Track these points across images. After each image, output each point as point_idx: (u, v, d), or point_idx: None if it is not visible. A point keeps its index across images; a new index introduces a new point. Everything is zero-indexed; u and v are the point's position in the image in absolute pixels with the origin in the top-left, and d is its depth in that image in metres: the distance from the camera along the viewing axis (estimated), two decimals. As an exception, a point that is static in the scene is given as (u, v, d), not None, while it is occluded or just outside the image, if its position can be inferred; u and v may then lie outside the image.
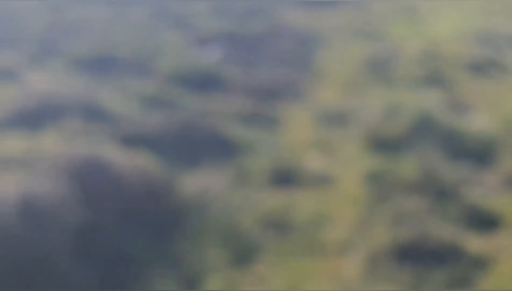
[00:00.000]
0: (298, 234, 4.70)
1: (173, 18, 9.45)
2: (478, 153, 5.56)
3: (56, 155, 4.98)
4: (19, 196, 4.30)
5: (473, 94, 6.91)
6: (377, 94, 6.89)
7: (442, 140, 5.68)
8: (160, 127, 6.00)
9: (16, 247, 4.15)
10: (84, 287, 4.22)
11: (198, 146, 5.86)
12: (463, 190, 5.00)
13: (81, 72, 7.39)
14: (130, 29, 9.04)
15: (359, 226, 4.70)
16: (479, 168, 5.38)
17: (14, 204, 4.24)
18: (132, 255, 4.46)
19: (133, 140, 5.68)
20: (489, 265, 4.28)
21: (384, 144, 5.68)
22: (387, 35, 8.85)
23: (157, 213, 4.79)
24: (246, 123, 6.35)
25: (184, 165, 5.47)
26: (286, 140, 6.06)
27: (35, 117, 5.97)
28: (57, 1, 9.80)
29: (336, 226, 4.74)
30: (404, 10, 9.83)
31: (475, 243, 4.45)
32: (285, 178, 5.35)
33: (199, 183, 5.18)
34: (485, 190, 5.04)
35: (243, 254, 4.52)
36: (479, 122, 6.01)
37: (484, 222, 4.69)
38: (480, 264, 4.30)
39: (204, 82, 7.29)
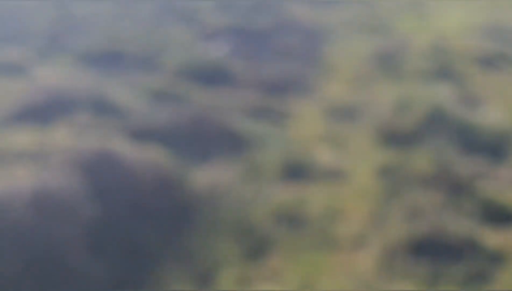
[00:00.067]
0: (311, 228, 4.66)
1: (179, 13, 9.41)
2: (492, 147, 5.51)
3: (67, 149, 4.93)
4: (33, 190, 4.27)
5: (483, 87, 6.86)
6: (387, 88, 6.85)
7: (454, 134, 5.64)
8: (169, 121, 5.96)
9: (30, 241, 4.11)
10: (96, 281, 4.18)
11: (208, 140, 5.82)
12: (477, 184, 4.95)
13: (89, 67, 7.35)
14: (136, 24, 9.00)
15: (373, 220, 4.66)
16: (493, 161, 5.34)
17: (27, 198, 4.21)
18: (145, 250, 4.42)
19: (143, 134, 5.64)
20: (506, 260, 4.24)
21: (396, 138, 5.64)
22: (394, 30, 8.81)
23: (169, 207, 4.75)
24: (255, 118, 6.31)
25: (195, 159, 5.43)
26: (296, 134, 6.02)
27: (45, 111, 5.93)
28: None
29: (350, 220, 4.70)
30: (411, 4, 9.79)
31: (491, 238, 4.41)
32: (296, 171, 5.31)
33: (210, 177, 5.14)
34: (500, 184, 4.99)
35: (256, 248, 4.47)
36: (492, 116, 5.97)
37: (500, 216, 4.65)
38: (496, 259, 4.25)
39: (212, 76, 7.24)
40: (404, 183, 5.03)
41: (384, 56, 7.77)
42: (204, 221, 4.68)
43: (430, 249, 4.31)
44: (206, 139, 5.80)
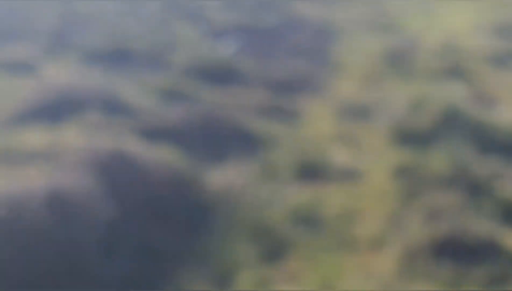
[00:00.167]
0: (328, 229, 4.61)
1: (186, 11, 9.34)
2: (508, 146, 5.45)
3: (80, 149, 4.87)
4: (48, 191, 4.20)
5: (495, 86, 6.81)
6: (399, 87, 6.79)
7: (470, 133, 5.58)
8: (181, 120, 5.90)
9: (45, 242, 4.05)
10: (112, 282, 4.12)
11: (220, 139, 5.76)
12: (496, 184, 4.89)
13: (97, 65, 7.28)
14: (142, 22, 8.94)
15: (391, 221, 4.60)
16: (510, 161, 5.27)
17: (43, 199, 4.14)
18: (161, 251, 4.36)
19: (154, 133, 5.58)
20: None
21: (411, 138, 5.58)
22: (403, 28, 8.75)
23: (185, 208, 4.69)
24: (266, 117, 6.24)
25: (208, 158, 5.37)
26: (309, 134, 5.96)
27: (55, 110, 5.86)
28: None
29: (367, 221, 4.64)
30: (420, 2, 9.73)
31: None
32: (311, 172, 5.25)
33: (225, 177, 5.08)
34: (519, 184, 4.94)
35: (274, 250, 4.42)
36: (507, 115, 5.91)
37: (520, 217, 4.59)
38: (519, 261, 4.20)
39: (221, 75, 7.18)
40: (421, 183, 4.97)
41: (394, 54, 7.71)
42: (221, 222, 4.62)
43: (451, 251, 4.25)
44: (218, 139, 5.74)
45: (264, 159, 5.44)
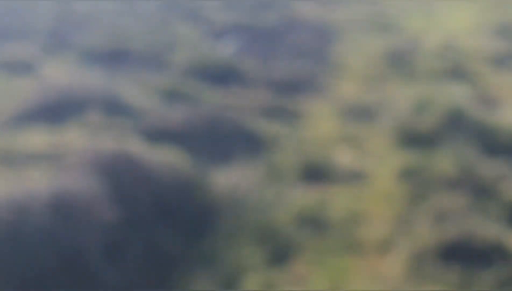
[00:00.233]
0: (335, 232, 4.56)
1: (186, 11, 9.30)
2: (512, 148, 5.43)
3: (83, 150, 4.82)
4: (51, 193, 4.16)
5: (497, 87, 6.78)
6: (401, 88, 6.75)
7: (475, 135, 5.55)
8: (183, 121, 5.85)
9: (49, 245, 4.00)
10: (116, 284, 4.07)
11: (224, 140, 5.71)
12: (502, 186, 4.86)
13: (96, 65, 7.24)
14: (141, 22, 8.89)
15: (398, 223, 4.57)
16: (515, 163, 5.25)
17: (46, 201, 4.10)
18: (166, 253, 4.32)
19: (157, 134, 5.53)
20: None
21: (416, 139, 5.54)
22: (404, 29, 8.72)
23: (190, 209, 4.64)
24: (269, 117, 6.20)
25: (212, 160, 5.32)
26: (312, 135, 5.92)
27: (56, 110, 5.81)
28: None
29: (374, 224, 4.60)
30: (420, 3, 9.70)
31: (520, 242, 4.32)
32: (316, 173, 5.21)
33: (230, 178, 5.04)
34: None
35: (280, 252, 4.37)
36: (511, 117, 5.87)
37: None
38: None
39: (222, 75, 7.14)
40: (427, 185, 4.93)
41: (396, 55, 7.68)
42: (226, 224, 4.57)
43: (459, 254, 4.22)
44: (222, 140, 5.70)
45: (268, 160, 5.39)
